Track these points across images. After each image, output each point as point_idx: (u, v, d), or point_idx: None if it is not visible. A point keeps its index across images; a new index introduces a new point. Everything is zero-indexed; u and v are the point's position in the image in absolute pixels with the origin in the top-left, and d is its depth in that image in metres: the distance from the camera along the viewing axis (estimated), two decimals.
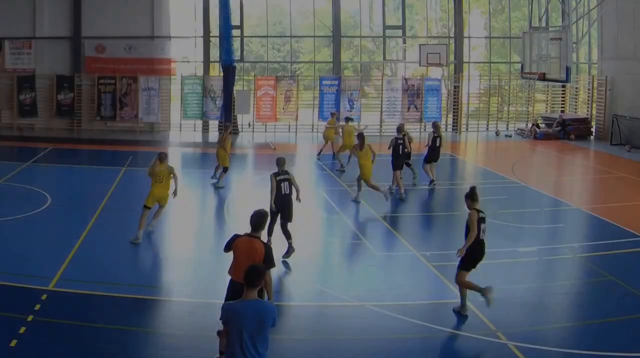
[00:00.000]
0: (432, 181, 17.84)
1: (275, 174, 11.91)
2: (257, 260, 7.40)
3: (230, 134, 19.11)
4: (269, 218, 7.71)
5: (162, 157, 13.24)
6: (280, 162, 12.19)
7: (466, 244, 9.37)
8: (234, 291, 7.61)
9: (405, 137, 17.10)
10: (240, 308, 5.91)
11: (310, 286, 10.86)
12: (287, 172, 12.06)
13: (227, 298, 7.73)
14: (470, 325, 9.15)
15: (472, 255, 9.35)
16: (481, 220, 9.67)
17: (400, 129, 17.40)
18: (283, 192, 11.84)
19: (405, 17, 31.07)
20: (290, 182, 11.98)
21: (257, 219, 7.59)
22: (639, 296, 10.23)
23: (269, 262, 7.46)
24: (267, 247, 7.54)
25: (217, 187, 17.63)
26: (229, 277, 7.82)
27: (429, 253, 12.23)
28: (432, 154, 17.95)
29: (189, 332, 8.89)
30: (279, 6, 34.12)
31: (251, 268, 5.98)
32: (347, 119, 22.06)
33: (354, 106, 29.23)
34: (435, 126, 18.39)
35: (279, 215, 11.82)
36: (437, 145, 17.86)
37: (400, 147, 16.70)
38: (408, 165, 17.85)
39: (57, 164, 22.01)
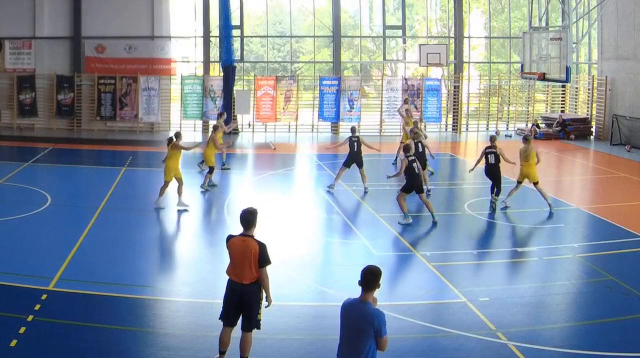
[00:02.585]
0: (332, 185, 17.54)
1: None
2: (252, 259, 7.42)
3: (220, 130, 18.36)
4: (257, 215, 7.71)
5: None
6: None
7: (396, 175, 15.04)
8: (231, 291, 7.64)
9: (360, 138, 17.82)
10: (347, 307, 5.91)
11: (310, 286, 10.86)
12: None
13: (225, 298, 7.76)
14: (470, 325, 9.16)
15: (409, 183, 14.30)
16: (412, 161, 14.29)
17: (354, 130, 18.00)
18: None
19: (405, 17, 31.09)
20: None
21: (247, 217, 7.60)
22: (639, 296, 10.24)
23: (263, 260, 7.48)
24: (261, 245, 7.51)
25: (204, 190, 17.22)
26: (226, 275, 7.84)
27: (429, 253, 12.23)
28: (352, 157, 17.54)
29: (189, 332, 8.89)
30: (279, 6, 34.15)
31: (366, 270, 5.90)
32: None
33: (354, 106, 29.24)
34: (353, 129, 18.23)
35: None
36: (355, 149, 17.51)
37: (355, 145, 17.47)
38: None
39: (57, 164, 22.02)
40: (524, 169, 15.43)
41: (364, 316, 5.77)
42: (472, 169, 16.49)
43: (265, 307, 7.76)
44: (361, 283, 5.88)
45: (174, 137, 15.67)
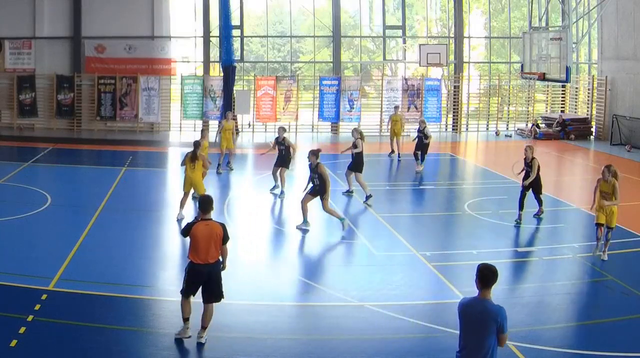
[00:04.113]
0: (280, 189, 17.10)
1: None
2: (218, 239, 8.16)
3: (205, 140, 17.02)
4: (213, 202, 8.49)
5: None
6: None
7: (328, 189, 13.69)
8: (198, 273, 8.24)
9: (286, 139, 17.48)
10: (467, 305, 5.98)
11: (310, 286, 10.86)
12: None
13: (189, 280, 8.29)
14: None
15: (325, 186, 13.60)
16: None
17: (283, 129, 17.92)
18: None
19: (405, 17, 31.09)
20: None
21: (208, 201, 8.37)
22: (639, 296, 10.24)
23: (226, 238, 8.28)
24: (223, 226, 8.32)
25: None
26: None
27: (429, 253, 12.23)
28: (281, 158, 17.18)
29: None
30: (279, 6, 34.16)
31: (484, 267, 5.97)
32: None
33: (354, 106, 29.24)
34: (281, 129, 17.81)
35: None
36: (282, 148, 17.18)
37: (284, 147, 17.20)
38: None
39: (57, 164, 22.02)
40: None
41: (487, 313, 5.85)
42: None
43: (222, 269, 8.49)
44: (480, 280, 5.94)
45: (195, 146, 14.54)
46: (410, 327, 9.12)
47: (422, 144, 20.66)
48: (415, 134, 21.41)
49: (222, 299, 8.48)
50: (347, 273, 11.66)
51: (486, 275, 5.92)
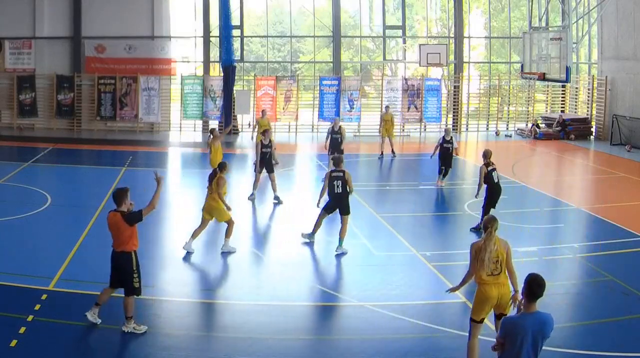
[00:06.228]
0: (274, 195, 16.55)
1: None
2: (117, 227, 8.62)
3: (215, 134, 17.34)
4: (127, 193, 8.86)
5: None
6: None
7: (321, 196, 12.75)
8: (111, 256, 8.75)
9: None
10: (523, 322, 6.00)
11: (310, 286, 10.86)
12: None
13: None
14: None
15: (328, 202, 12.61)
16: (334, 178, 12.30)
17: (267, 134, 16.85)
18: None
19: (405, 17, 31.10)
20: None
21: (116, 195, 8.85)
22: (639, 296, 10.23)
23: (130, 219, 8.67)
24: (123, 213, 8.68)
25: None
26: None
27: (429, 253, 12.23)
28: (266, 162, 16.36)
29: (188, 332, 8.90)
30: (279, 6, 34.18)
31: (536, 283, 5.98)
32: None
33: (354, 106, 29.25)
34: (266, 133, 16.81)
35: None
36: (266, 151, 16.38)
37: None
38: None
39: (57, 164, 22.03)
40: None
41: (546, 323, 5.97)
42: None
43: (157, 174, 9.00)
44: (530, 294, 5.97)
45: (218, 169, 12.75)
46: (410, 327, 9.12)
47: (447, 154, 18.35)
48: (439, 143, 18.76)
49: (138, 296, 8.69)
50: (347, 273, 11.66)
51: (538, 291, 5.95)
